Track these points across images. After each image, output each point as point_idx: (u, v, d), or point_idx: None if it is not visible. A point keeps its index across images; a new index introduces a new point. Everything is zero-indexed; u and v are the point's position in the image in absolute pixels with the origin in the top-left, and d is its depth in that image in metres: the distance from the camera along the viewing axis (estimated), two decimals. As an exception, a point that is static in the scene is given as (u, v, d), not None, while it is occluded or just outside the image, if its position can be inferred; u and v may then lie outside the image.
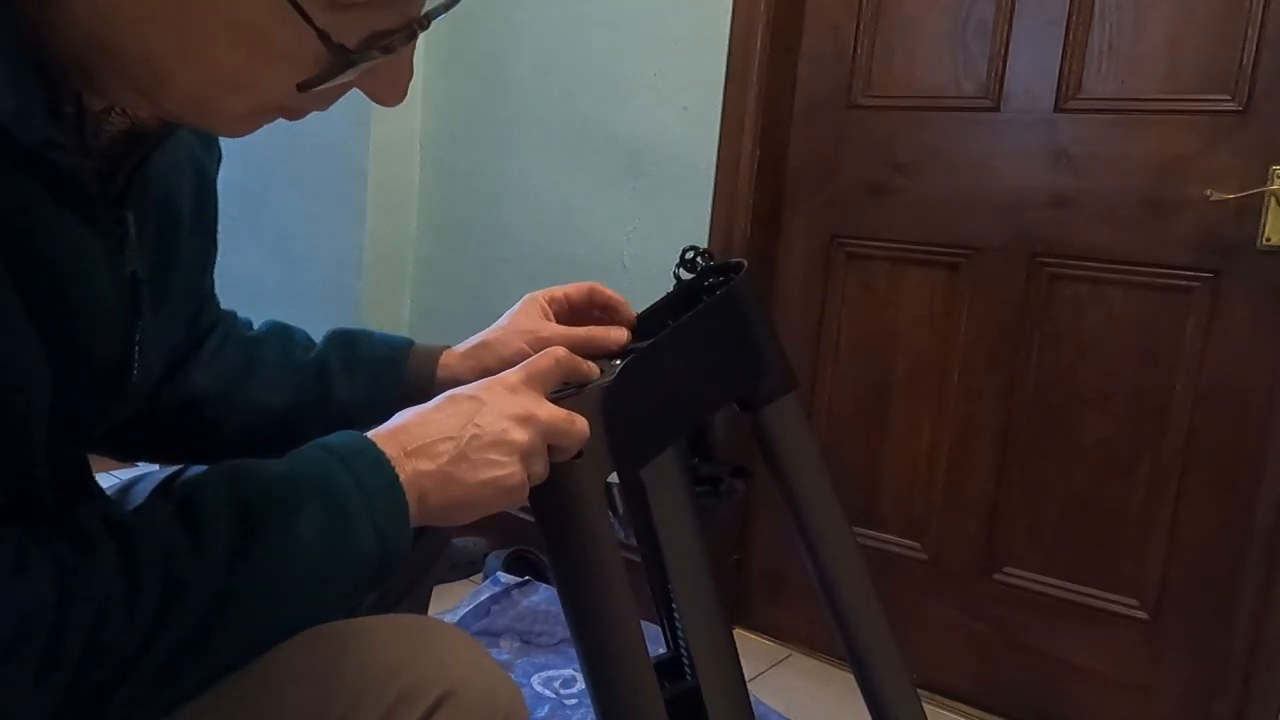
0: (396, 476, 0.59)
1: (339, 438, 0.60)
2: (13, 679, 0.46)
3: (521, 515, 2.44)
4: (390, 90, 0.57)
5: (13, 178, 0.50)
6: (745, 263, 0.79)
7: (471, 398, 0.64)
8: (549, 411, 0.65)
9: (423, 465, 0.60)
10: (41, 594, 0.47)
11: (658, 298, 0.88)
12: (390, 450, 0.60)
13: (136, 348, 0.62)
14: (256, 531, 0.54)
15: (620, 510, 0.73)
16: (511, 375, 0.66)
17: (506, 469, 0.62)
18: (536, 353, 0.72)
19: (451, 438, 0.61)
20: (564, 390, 0.70)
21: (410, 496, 0.59)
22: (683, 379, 0.74)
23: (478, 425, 0.62)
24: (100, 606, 0.49)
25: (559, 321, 0.87)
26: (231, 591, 0.53)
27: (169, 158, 0.68)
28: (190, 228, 0.73)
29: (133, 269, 0.61)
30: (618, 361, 0.75)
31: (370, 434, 0.61)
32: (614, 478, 0.73)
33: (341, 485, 0.57)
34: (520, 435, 0.62)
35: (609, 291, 0.88)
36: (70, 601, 0.48)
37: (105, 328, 0.58)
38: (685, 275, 0.84)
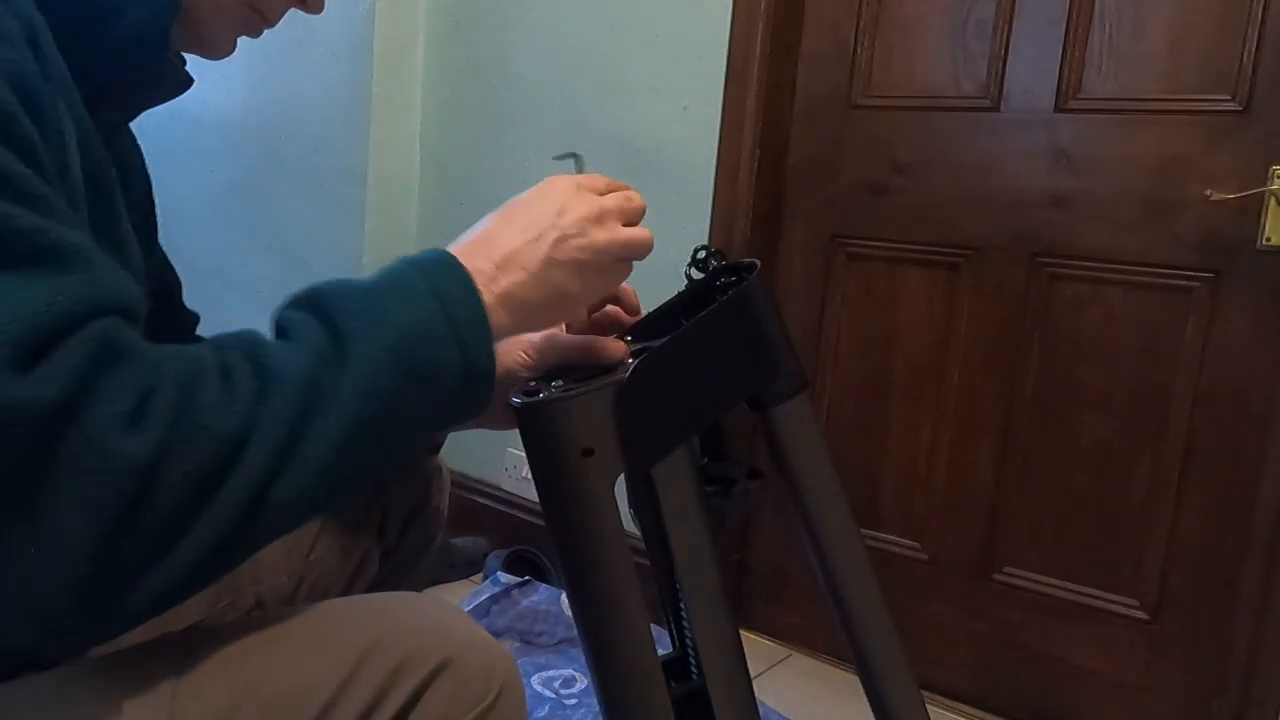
0: (476, 291, 0.60)
1: (424, 255, 0.62)
2: (105, 417, 0.47)
3: (521, 515, 2.43)
4: None
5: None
6: (758, 263, 0.79)
7: (544, 198, 0.67)
8: (604, 201, 0.68)
9: (515, 274, 0.63)
10: (144, 352, 0.49)
11: (658, 298, 0.88)
12: (480, 264, 0.62)
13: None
14: (343, 335, 0.55)
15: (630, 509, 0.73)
16: (568, 180, 0.69)
17: (596, 256, 0.66)
18: (536, 360, 0.74)
19: (535, 239, 0.64)
20: (575, 386, 0.70)
21: (507, 309, 0.62)
22: (695, 378, 0.74)
23: (557, 226, 0.65)
24: (194, 374, 0.50)
25: None
26: (323, 387, 0.53)
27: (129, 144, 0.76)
28: (142, 215, 0.78)
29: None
30: (630, 360, 0.75)
31: (455, 248, 0.63)
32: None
33: (424, 299, 0.58)
34: (597, 233, 0.66)
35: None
36: (165, 361, 0.50)
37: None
38: (696, 274, 0.84)
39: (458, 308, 0.58)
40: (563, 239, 0.64)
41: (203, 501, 0.49)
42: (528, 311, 0.63)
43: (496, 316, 0.61)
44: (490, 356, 0.59)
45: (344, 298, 0.57)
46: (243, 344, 0.54)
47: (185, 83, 0.69)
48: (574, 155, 0.78)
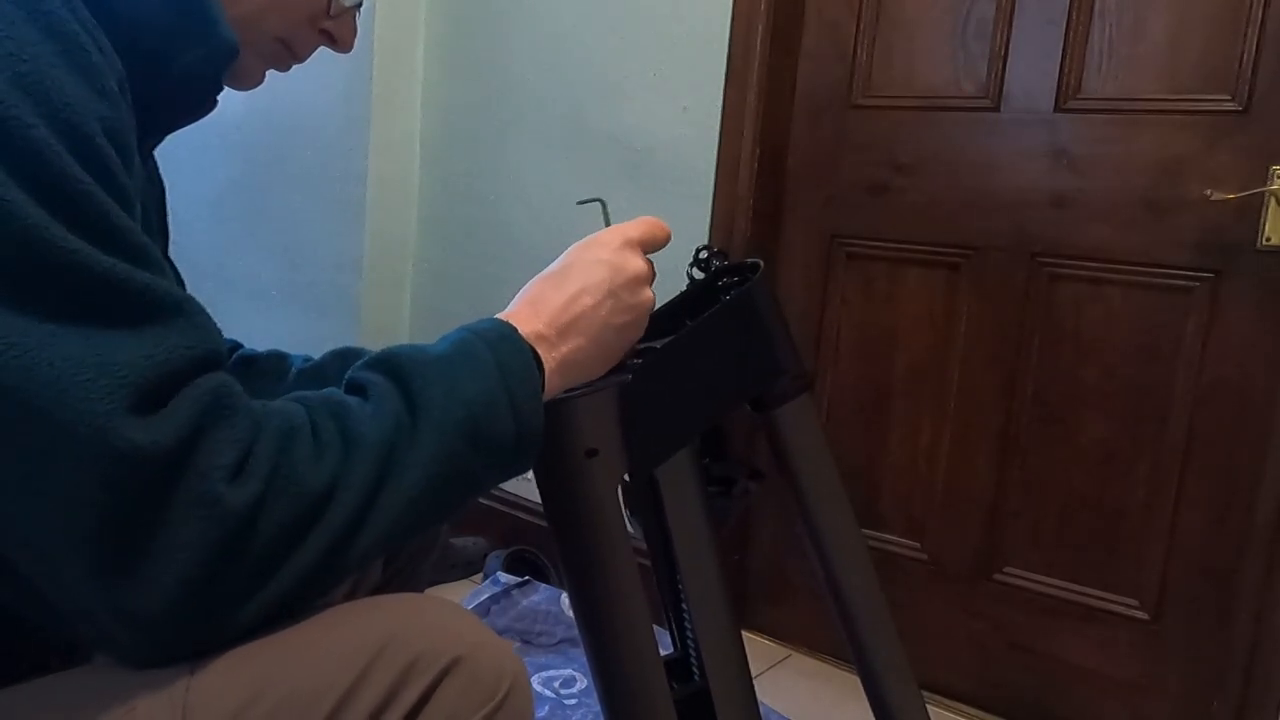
0: (535, 363, 0.66)
1: (489, 326, 0.67)
2: (213, 468, 0.52)
3: (521, 515, 2.42)
4: (352, 36, 0.75)
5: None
6: (762, 263, 0.79)
7: (596, 261, 0.72)
8: (644, 260, 0.77)
9: (574, 340, 0.69)
10: (249, 408, 0.55)
11: (659, 298, 0.88)
12: (542, 329, 0.68)
13: None
14: (417, 406, 0.61)
15: (632, 510, 0.73)
16: (614, 236, 0.75)
17: (639, 317, 0.73)
18: None
19: (594, 306, 0.70)
20: (579, 386, 0.70)
21: (563, 372, 0.68)
22: (699, 379, 0.74)
23: (612, 292, 0.71)
24: (289, 432, 0.55)
25: None
26: (398, 453, 0.59)
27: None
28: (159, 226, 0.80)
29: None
30: (635, 360, 0.75)
31: (515, 315, 0.69)
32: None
33: (488, 373, 0.64)
34: (645, 292, 0.74)
35: None
36: (266, 418, 0.55)
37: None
38: (698, 274, 0.85)
39: (517, 382, 0.64)
40: (618, 303, 0.71)
41: (289, 549, 0.54)
42: (581, 371, 0.70)
43: (553, 382, 0.68)
44: (539, 422, 0.65)
45: (420, 366, 0.63)
46: (329, 405, 0.59)
47: (214, 105, 0.74)
48: (599, 200, 0.81)
